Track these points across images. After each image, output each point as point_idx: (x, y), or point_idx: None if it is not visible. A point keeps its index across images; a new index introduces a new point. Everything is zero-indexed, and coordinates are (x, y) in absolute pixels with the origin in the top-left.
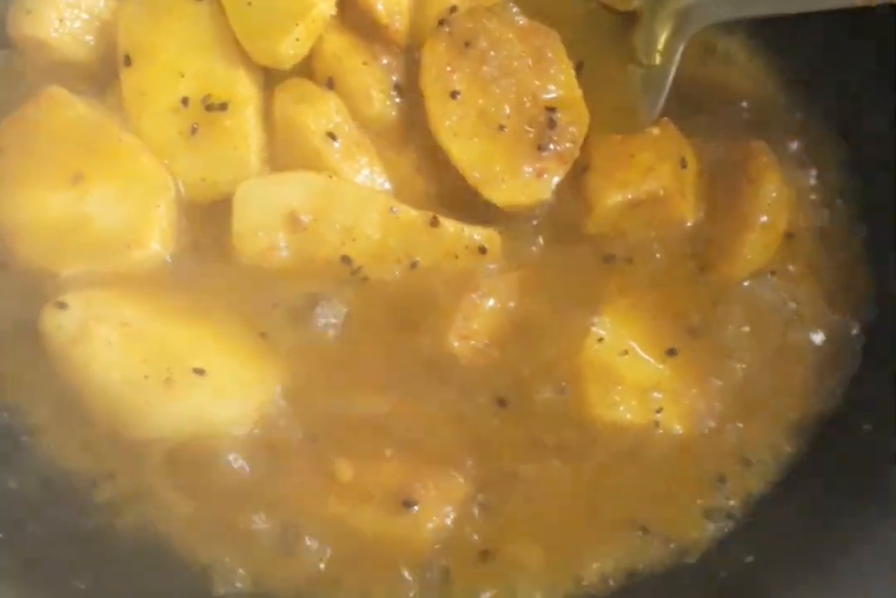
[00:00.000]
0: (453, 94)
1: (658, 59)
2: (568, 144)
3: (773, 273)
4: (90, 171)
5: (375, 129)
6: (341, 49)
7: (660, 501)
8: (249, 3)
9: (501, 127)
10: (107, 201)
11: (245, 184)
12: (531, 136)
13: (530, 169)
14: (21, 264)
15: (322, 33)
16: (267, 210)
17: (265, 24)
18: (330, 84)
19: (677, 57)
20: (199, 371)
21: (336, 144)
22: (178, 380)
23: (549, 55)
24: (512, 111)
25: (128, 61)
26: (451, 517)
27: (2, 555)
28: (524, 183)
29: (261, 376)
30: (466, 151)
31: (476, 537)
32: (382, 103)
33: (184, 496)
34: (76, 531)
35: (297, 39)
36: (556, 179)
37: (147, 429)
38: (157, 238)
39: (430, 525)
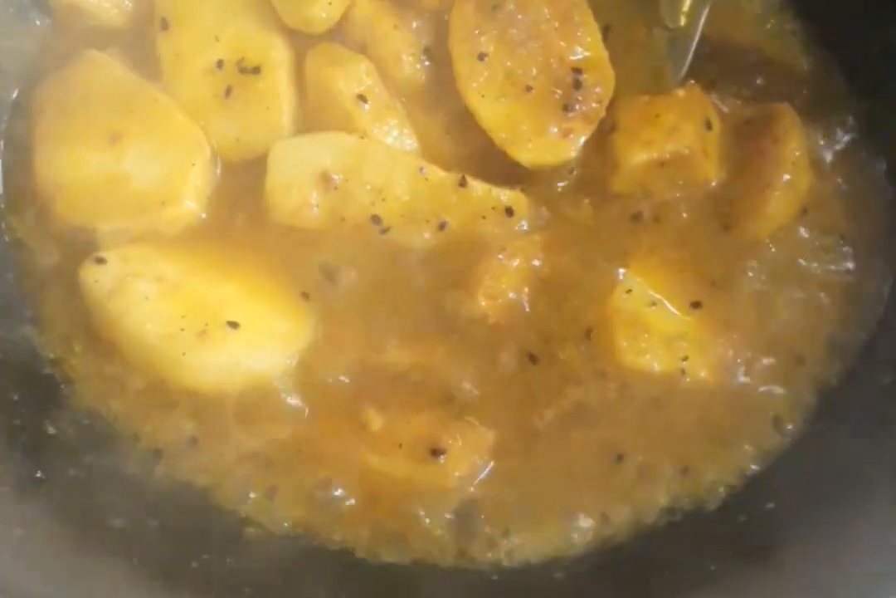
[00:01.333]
0: (481, 56)
1: (683, 22)
2: (594, 105)
3: (797, 229)
4: (127, 131)
5: (405, 92)
6: (372, 13)
7: (684, 448)
8: None
9: (528, 88)
10: (143, 160)
11: (279, 143)
12: (557, 96)
13: (556, 129)
14: (61, 221)
15: None
16: (300, 169)
17: None
18: (361, 48)
19: (702, 19)
20: (233, 324)
21: (366, 107)
22: (212, 332)
23: (576, 18)
24: (538, 72)
25: (164, 25)
26: (478, 466)
27: (41, 495)
28: (550, 143)
29: (293, 330)
30: (493, 111)
31: (502, 487)
32: (412, 66)
33: (221, 444)
34: (115, 475)
35: (330, 3)
36: (581, 139)
37: (183, 379)
38: (191, 196)
39: (456, 474)
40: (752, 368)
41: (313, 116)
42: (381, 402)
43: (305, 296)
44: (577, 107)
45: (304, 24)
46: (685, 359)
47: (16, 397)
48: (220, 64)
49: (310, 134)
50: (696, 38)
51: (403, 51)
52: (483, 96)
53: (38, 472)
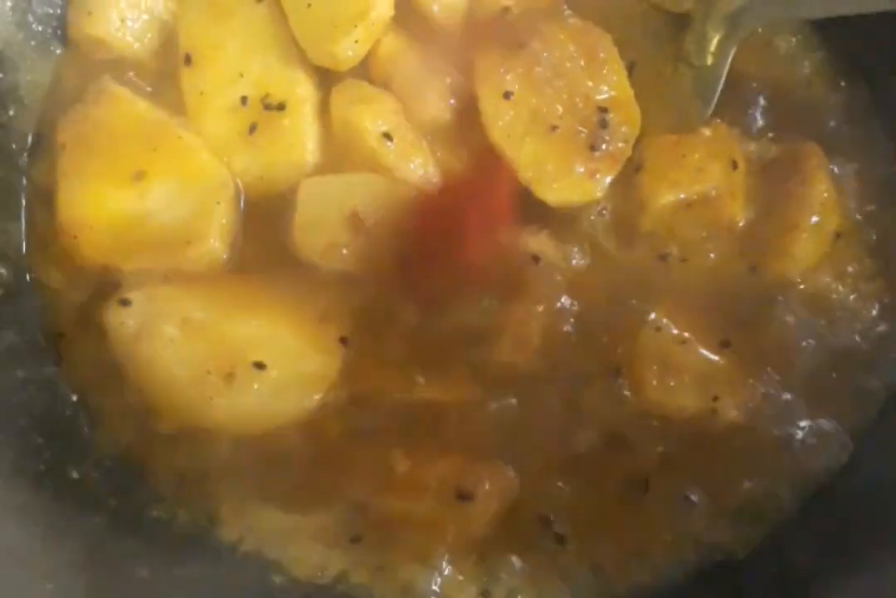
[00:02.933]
0: (506, 95)
1: (710, 61)
2: (620, 144)
3: (823, 272)
4: (151, 168)
5: (430, 129)
6: (397, 51)
7: (716, 489)
8: (309, 5)
9: (554, 127)
10: (167, 198)
11: (309, 181)
12: (583, 136)
13: (582, 169)
14: (85, 260)
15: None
16: (329, 208)
17: (324, 26)
18: (386, 85)
19: (729, 58)
20: (260, 365)
21: (391, 145)
22: (239, 375)
23: (602, 56)
24: (564, 111)
25: (188, 61)
26: (504, 510)
27: (66, 543)
28: (576, 182)
29: (319, 369)
30: (519, 151)
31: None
32: (437, 104)
33: (247, 489)
34: (139, 520)
35: (356, 41)
36: (608, 179)
37: (210, 423)
38: (216, 235)
39: (483, 519)
40: (782, 408)
41: (338, 153)
42: (408, 443)
43: (330, 334)
44: (604, 146)
45: (329, 62)
46: (716, 399)
47: (40, 441)
48: (244, 100)
49: (340, 173)
50: (724, 77)
51: (428, 89)
52: (509, 136)
53: (63, 520)
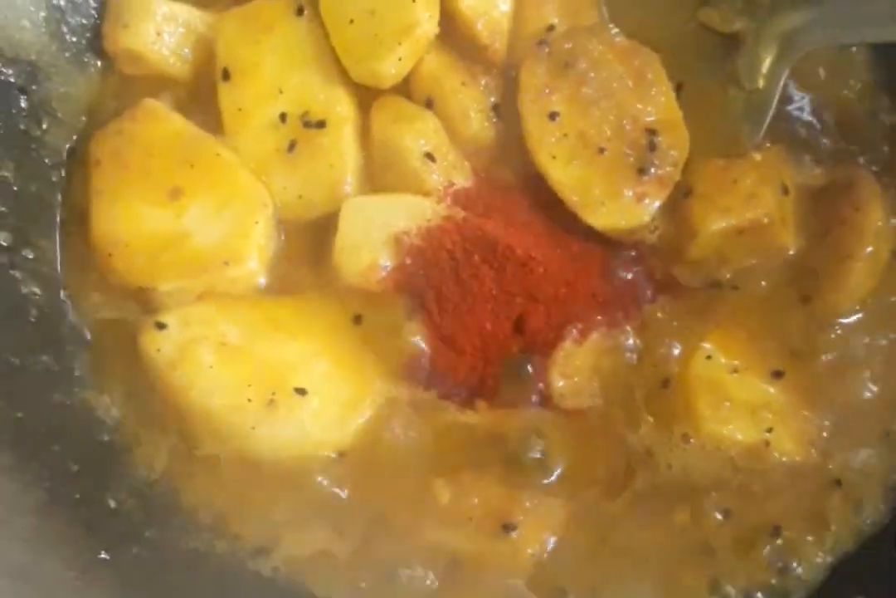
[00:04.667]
0: (552, 116)
1: (761, 83)
2: (669, 168)
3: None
4: (188, 186)
5: (472, 149)
6: (440, 69)
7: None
8: (352, 21)
9: (601, 150)
10: (205, 217)
11: (351, 201)
12: (631, 159)
13: (630, 193)
14: (120, 279)
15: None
16: (372, 229)
17: (367, 43)
18: (428, 104)
19: (781, 81)
20: (301, 391)
21: (434, 165)
22: (280, 401)
23: (649, 76)
24: (612, 134)
25: (226, 76)
26: (551, 542)
27: (107, 576)
28: (624, 207)
29: (361, 395)
30: (565, 174)
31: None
32: (480, 124)
33: (287, 517)
34: (177, 552)
35: (400, 59)
36: (656, 204)
37: (250, 451)
38: (254, 255)
39: (529, 550)
40: (838, 441)
41: (378, 173)
42: (451, 472)
43: (372, 357)
44: (652, 170)
45: (371, 80)
46: (769, 430)
47: (76, 468)
48: (283, 117)
49: (383, 194)
50: (775, 100)
51: (471, 108)
52: (554, 158)
53: (102, 552)
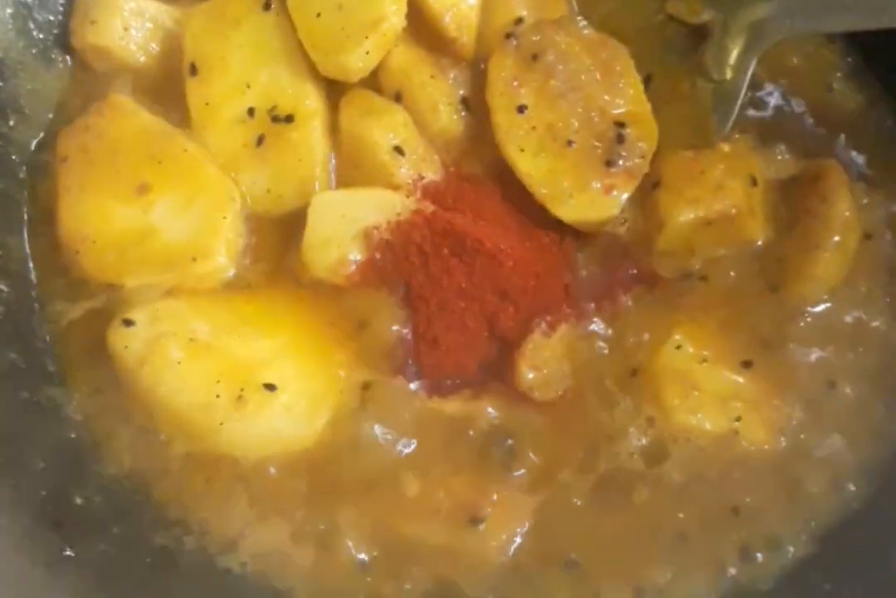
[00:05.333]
0: (520, 109)
1: (729, 74)
2: (637, 160)
3: (848, 288)
4: (155, 181)
5: (441, 143)
6: (408, 62)
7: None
8: (319, 15)
9: (569, 142)
10: (172, 213)
11: (320, 196)
12: (599, 151)
13: (599, 185)
14: (87, 275)
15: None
16: (341, 224)
17: (334, 37)
18: (397, 97)
19: (749, 72)
20: (270, 387)
21: (403, 159)
22: (249, 397)
23: (618, 68)
24: (580, 126)
25: (194, 71)
26: (518, 535)
27: (73, 573)
28: (592, 199)
29: (330, 390)
30: (534, 166)
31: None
32: (449, 117)
33: (256, 514)
34: (145, 548)
35: (367, 52)
36: (625, 195)
37: (219, 447)
38: (222, 251)
39: (494, 543)
40: (808, 429)
41: (348, 167)
42: (420, 465)
43: (339, 352)
44: (620, 162)
45: (339, 74)
46: (738, 419)
47: (42, 465)
48: (251, 112)
49: (353, 189)
50: (743, 91)
51: (440, 101)
52: (523, 150)
53: (68, 548)
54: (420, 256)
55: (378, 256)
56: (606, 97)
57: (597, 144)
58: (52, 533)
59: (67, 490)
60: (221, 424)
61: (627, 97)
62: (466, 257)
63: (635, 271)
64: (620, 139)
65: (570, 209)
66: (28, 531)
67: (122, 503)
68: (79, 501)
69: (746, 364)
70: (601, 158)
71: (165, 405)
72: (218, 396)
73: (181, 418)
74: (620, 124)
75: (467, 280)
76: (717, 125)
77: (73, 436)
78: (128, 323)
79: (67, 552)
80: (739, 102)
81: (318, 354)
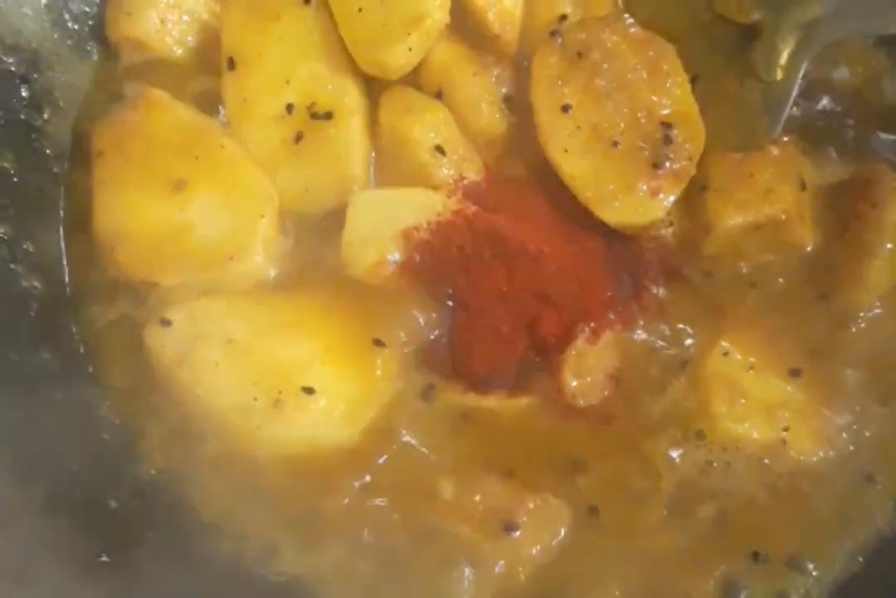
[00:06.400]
0: (565, 108)
1: (779, 75)
2: (684, 162)
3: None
4: (192, 178)
5: (482, 142)
6: (451, 59)
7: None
8: (360, 10)
9: (615, 143)
10: (209, 210)
11: (360, 195)
12: (646, 153)
13: (645, 187)
14: (123, 273)
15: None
16: (380, 223)
17: (376, 33)
18: (438, 95)
19: (800, 73)
20: (308, 390)
21: (444, 158)
22: (287, 401)
23: (665, 68)
24: (626, 127)
25: (231, 65)
26: (552, 544)
27: (107, 580)
28: (638, 202)
29: (369, 393)
30: (578, 168)
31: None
32: (492, 115)
33: (292, 517)
34: (180, 553)
35: (410, 49)
36: (671, 198)
37: (256, 451)
38: (260, 250)
39: (526, 551)
40: (858, 440)
41: (387, 166)
42: (458, 468)
43: (380, 353)
44: (667, 164)
45: (380, 71)
46: (786, 429)
47: (76, 467)
48: (289, 108)
49: (393, 188)
50: (794, 93)
51: (483, 99)
52: (567, 151)
53: (103, 555)
54: (461, 257)
55: (417, 257)
56: (653, 97)
57: (643, 145)
58: (86, 538)
59: (102, 493)
60: (259, 427)
61: (674, 97)
62: (508, 260)
63: (678, 277)
64: (667, 140)
65: (616, 212)
66: (62, 536)
67: (157, 507)
68: (113, 504)
69: (795, 373)
70: (647, 160)
71: (202, 407)
72: (256, 398)
73: (218, 420)
74: (667, 125)
75: (508, 284)
76: (767, 127)
77: (106, 437)
78: (165, 323)
79: (103, 558)
80: (790, 103)
81: (356, 356)
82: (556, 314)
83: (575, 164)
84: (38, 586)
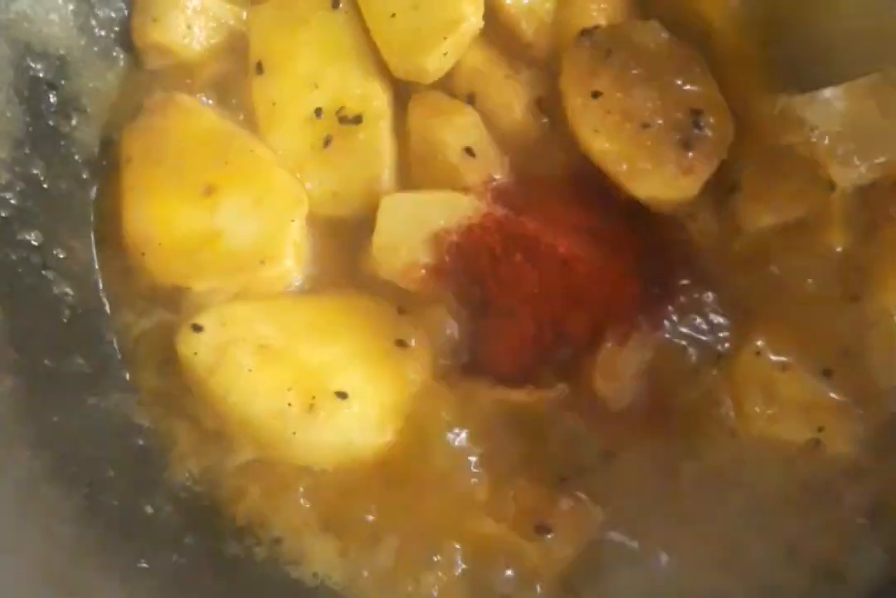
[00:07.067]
0: (595, 94)
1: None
2: (715, 145)
3: None
4: (222, 183)
5: (513, 145)
6: (483, 63)
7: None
8: (393, 15)
9: (645, 125)
10: (239, 215)
11: (390, 198)
12: (676, 136)
13: (676, 165)
14: (153, 278)
15: None
16: (410, 227)
17: (411, 37)
18: (470, 98)
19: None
20: (342, 395)
21: (474, 161)
22: (321, 406)
23: (697, 70)
24: (655, 113)
25: (260, 69)
26: (585, 546)
27: (147, 585)
28: (671, 176)
29: (401, 396)
30: (608, 146)
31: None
32: (524, 118)
33: (324, 523)
34: (216, 559)
35: (445, 54)
36: (704, 177)
37: (291, 456)
38: (290, 254)
39: (560, 554)
40: (891, 440)
41: (416, 169)
42: (489, 470)
43: (411, 357)
44: (698, 146)
45: (415, 75)
46: (821, 429)
47: (111, 474)
48: (318, 112)
49: (422, 191)
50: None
51: (515, 102)
52: (597, 131)
53: (142, 560)
54: (491, 260)
55: (448, 259)
56: (683, 87)
57: (672, 129)
58: (125, 544)
59: (138, 499)
60: (294, 433)
61: (705, 85)
62: (538, 262)
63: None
64: (697, 126)
65: (648, 185)
66: (101, 542)
67: (192, 513)
68: (149, 510)
69: (827, 373)
70: (678, 142)
71: (237, 413)
72: (290, 404)
73: (253, 426)
74: (697, 112)
75: (539, 286)
76: None
77: (140, 443)
78: (197, 329)
79: (142, 564)
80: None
81: (388, 359)
82: (585, 316)
83: (605, 143)
84: (81, 592)
